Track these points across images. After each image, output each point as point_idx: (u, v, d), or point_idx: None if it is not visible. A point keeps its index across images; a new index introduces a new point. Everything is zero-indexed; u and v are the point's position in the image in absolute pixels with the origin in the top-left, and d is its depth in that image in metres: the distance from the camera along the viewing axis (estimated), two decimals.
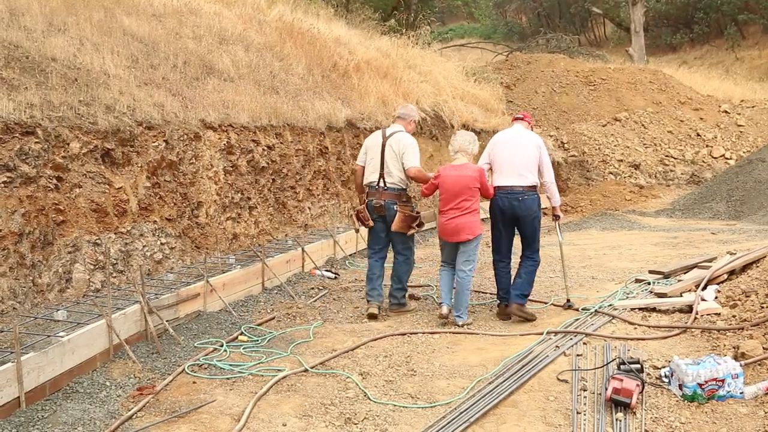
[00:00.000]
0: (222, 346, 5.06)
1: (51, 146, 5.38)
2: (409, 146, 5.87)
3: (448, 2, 33.92)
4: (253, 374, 4.57)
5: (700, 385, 3.95)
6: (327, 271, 7.63)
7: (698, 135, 17.42)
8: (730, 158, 16.65)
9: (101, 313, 4.64)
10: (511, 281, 5.93)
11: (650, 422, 3.80)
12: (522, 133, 5.98)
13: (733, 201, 13.32)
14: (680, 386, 4.04)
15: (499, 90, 17.67)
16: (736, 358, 4.31)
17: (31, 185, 5.13)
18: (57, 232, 5.32)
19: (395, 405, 4.10)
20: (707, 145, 17.10)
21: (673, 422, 3.79)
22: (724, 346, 4.70)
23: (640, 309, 5.84)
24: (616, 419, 3.80)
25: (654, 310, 5.81)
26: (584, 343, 5.07)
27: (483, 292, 6.76)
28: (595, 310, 5.88)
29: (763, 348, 4.38)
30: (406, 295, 6.29)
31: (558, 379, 4.41)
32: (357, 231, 6.33)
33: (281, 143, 8.60)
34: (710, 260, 6.94)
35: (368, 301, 6.07)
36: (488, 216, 6.10)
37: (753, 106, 18.83)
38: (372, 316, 5.93)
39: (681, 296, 5.97)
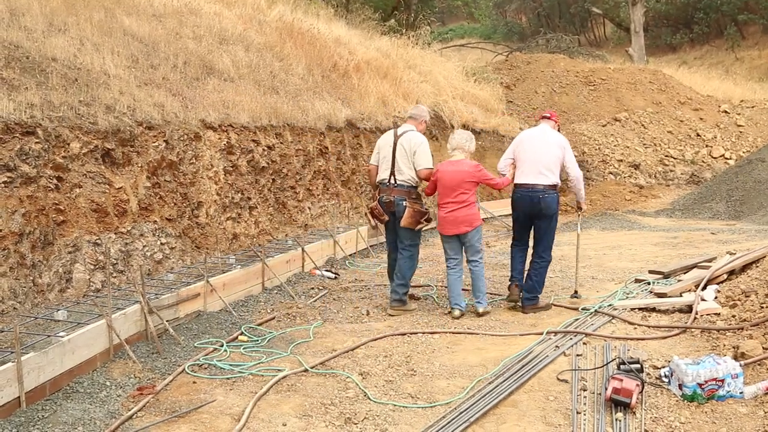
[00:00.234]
0: (222, 346, 5.06)
1: (51, 146, 5.38)
2: (419, 145, 6.03)
3: (448, 2, 33.91)
4: (253, 374, 4.57)
5: (699, 385, 3.95)
6: (327, 271, 7.63)
7: (698, 135, 17.43)
8: (730, 158, 16.66)
9: (101, 313, 4.64)
10: (523, 265, 6.23)
11: (650, 422, 3.80)
12: (546, 132, 6.17)
13: (732, 201, 13.33)
14: (680, 386, 4.04)
15: (499, 90, 17.67)
16: (735, 358, 4.31)
17: (31, 185, 5.14)
18: (57, 232, 5.33)
19: (395, 405, 4.10)
20: (707, 145, 17.11)
21: (673, 422, 3.79)
22: (724, 346, 4.70)
23: (640, 309, 5.85)
24: (616, 419, 3.80)
25: (654, 310, 5.82)
26: (584, 343, 5.07)
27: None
28: (595, 310, 5.88)
29: (763, 348, 4.39)
30: (408, 294, 6.31)
31: (558, 379, 4.41)
32: (374, 228, 6.42)
33: (281, 143, 8.61)
34: (710, 260, 6.95)
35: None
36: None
37: (753, 106, 18.84)
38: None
39: (681, 296, 5.98)
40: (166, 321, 5.13)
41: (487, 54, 26.99)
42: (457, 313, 5.92)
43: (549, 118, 6.35)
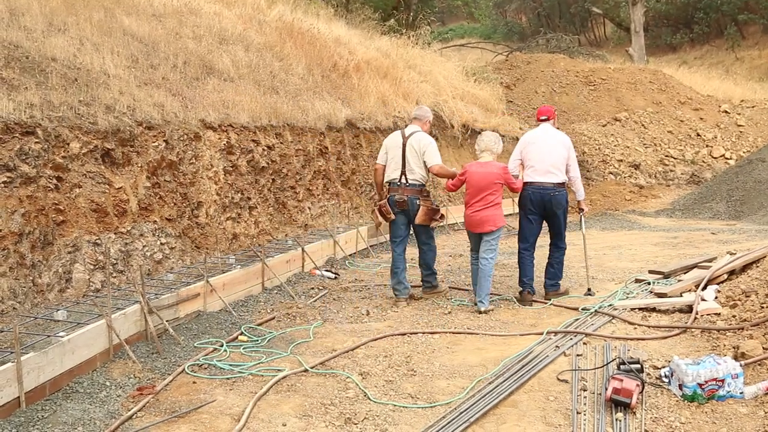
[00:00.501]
0: (222, 346, 5.05)
1: (51, 146, 5.38)
2: (428, 145, 6.28)
3: (448, 2, 33.94)
4: (253, 374, 4.57)
5: (700, 385, 3.95)
6: (327, 271, 7.63)
7: (698, 135, 17.43)
8: (730, 158, 16.66)
9: (101, 313, 4.64)
10: (533, 270, 6.44)
11: (650, 422, 3.80)
12: (550, 132, 6.43)
13: (733, 201, 13.33)
14: (680, 386, 4.04)
15: (499, 90, 17.67)
16: (736, 358, 4.31)
17: (31, 185, 5.13)
18: (57, 232, 5.32)
19: (395, 405, 4.10)
20: (707, 145, 17.11)
21: (673, 422, 3.79)
22: (724, 346, 4.70)
23: (640, 309, 5.85)
24: (616, 419, 3.80)
25: (654, 310, 5.81)
26: (584, 343, 5.07)
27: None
28: (595, 310, 5.88)
29: (763, 348, 4.38)
30: (434, 277, 6.69)
31: (558, 379, 4.41)
32: (379, 225, 6.57)
33: (281, 143, 8.61)
34: (710, 260, 6.95)
35: (396, 296, 6.44)
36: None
37: (753, 106, 18.84)
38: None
39: (681, 296, 5.97)
40: (166, 321, 5.13)
41: (487, 54, 27.00)
42: (482, 308, 6.08)
43: (547, 119, 6.54)
